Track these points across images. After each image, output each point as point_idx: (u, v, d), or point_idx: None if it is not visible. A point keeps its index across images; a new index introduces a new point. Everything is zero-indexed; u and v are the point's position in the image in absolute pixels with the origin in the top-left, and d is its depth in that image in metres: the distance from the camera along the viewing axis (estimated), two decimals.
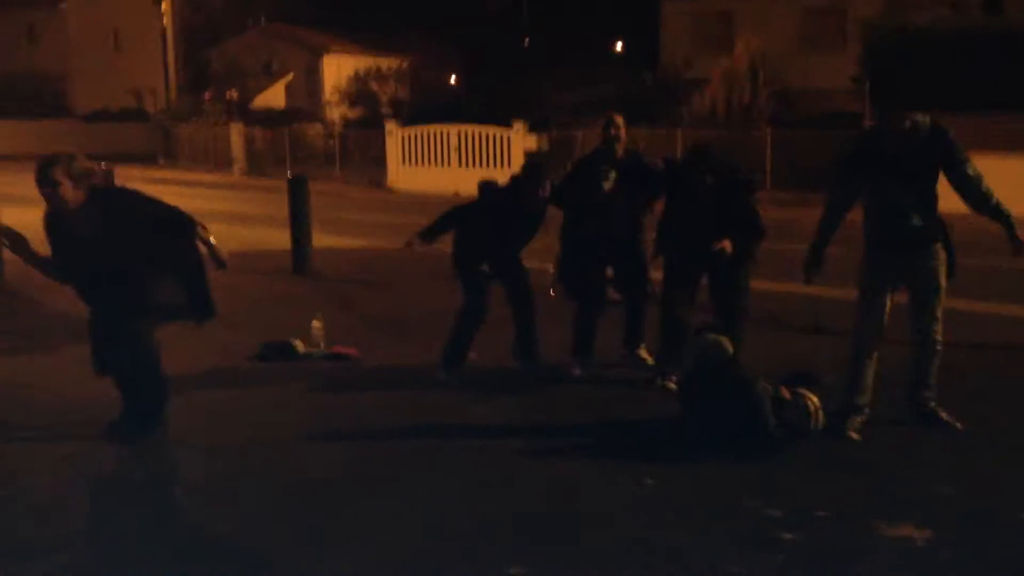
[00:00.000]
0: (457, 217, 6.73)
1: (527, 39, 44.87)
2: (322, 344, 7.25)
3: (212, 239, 5.36)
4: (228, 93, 31.38)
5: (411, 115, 27.58)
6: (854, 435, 5.36)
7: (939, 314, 5.38)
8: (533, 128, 23.13)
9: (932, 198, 5.20)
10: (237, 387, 6.41)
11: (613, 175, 6.55)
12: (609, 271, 6.81)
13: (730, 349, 5.40)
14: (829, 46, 32.98)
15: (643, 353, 6.92)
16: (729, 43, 32.91)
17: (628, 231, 6.68)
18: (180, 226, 5.27)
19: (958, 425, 5.45)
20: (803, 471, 4.91)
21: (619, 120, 6.75)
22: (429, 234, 6.70)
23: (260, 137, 27.45)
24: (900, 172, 5.15)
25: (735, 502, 4.51)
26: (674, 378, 6.23)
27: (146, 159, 27.56)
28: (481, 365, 6.65)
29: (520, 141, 22.71)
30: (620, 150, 6.69)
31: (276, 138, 27.51)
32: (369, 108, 40.18)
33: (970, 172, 5.18)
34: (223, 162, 26.58)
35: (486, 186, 6.88)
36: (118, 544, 4.14)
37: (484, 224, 6.56)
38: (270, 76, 47.38)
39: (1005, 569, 3.87)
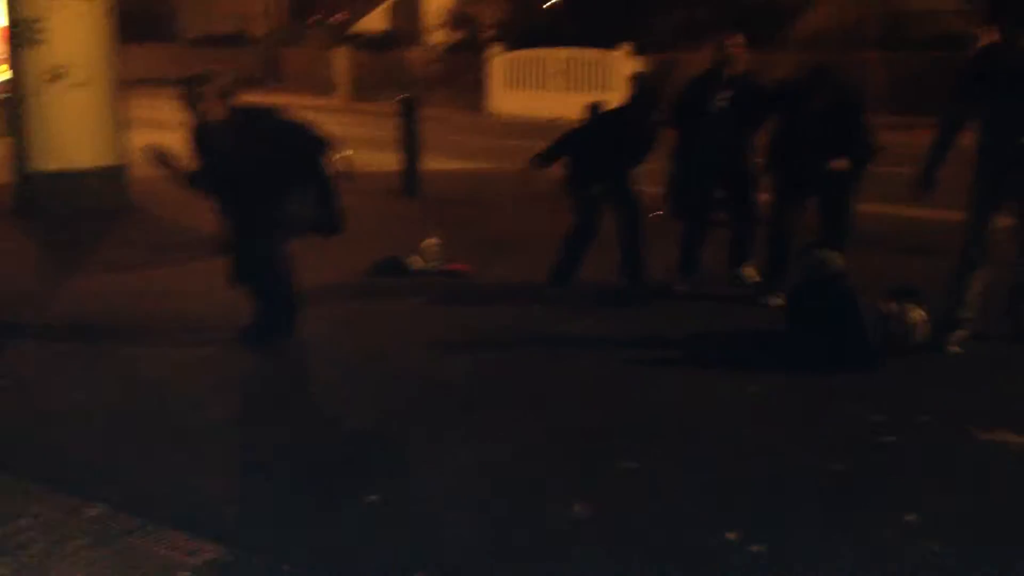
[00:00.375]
0: (571, 141, 6.97)
1: None
2: (436, 260, 7.60)
3: (343, 155, 5.73)
4: (334, 16, 31.72)
5: (512, 38, 27.54)
6: (955, 348, 5.52)
7: None
8: (637, 51, 22.98)
9: None
10: (358, 299, 6.79)
11: (726, 94, 6.68)
12: (718, 191, 6.97)
13: (839, 264, 5.56)
14: None
15: (748, 271, 7.10)
16: None
17: (738, 151, 6.80)
18: (314, 143, 5.64)
19: None
20: (905, 380, 5.11)
21: (736, 38, 6.77)
22: (545, 159, 6.96)
23: (363, 61, 27.74)
24: (1018, 89, 5.20)
25: (839, 407, 4.75)
26: (779, 295, 6.44)
27: (252, 83, 28.07)
28: (589, 282, 6.91)
29: (623, 64, 22.59)
30: (735, 69, 6.75)
31: (379, 62, 27.80)
32: (469, 31, 40.13)
33: None
34: (328, 86, 26.95)
35: (596, 109, 7.08)
36: (257, 434, 4.57)
37: (596, 147, 6.78)
38: None
39: None
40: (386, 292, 7.03)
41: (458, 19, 43.14)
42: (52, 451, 4.25)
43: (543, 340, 5.87)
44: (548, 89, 23.73)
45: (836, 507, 3.76)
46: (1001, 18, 5.37)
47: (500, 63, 24.56)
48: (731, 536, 3.49)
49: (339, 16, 31.89)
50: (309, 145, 5.64)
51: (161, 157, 5.46)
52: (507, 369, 5.37)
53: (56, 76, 9.13)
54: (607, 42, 23.62)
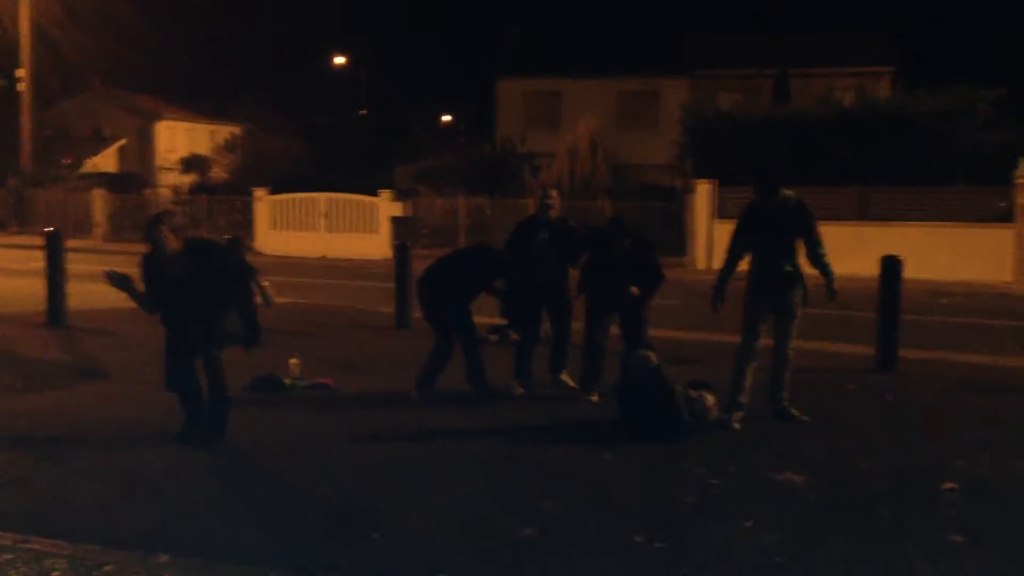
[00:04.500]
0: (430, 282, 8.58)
1: (364, 110, 46.84)
2: (300, 377, 8.79)
3: (265, 284, 6.98)
4: (88, 159, 31.77)
5: (247, 179, 28.82)
6: (736, 424, 7.42)
7: (793, 335, 7.55)
8: (395, 197, 24.95)
9: (796, 252, 7.37)
10: (253, 408, 7.81)
11: (545, 234, 8.52)
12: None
13: (655, 362, 7.38)
14: (644, 125, 36.59)
15: (565, 377, 8.82)
16: (558, 120, 35.95)
17: (556, 278, 8.60)
18: (244, 271, 6.86)
19: (804, 417, 7.62)
20: (710, 446, 6.92)
21: (553, 192, 8.81)
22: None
23: (113, 202, 28.01)
24: (775, 232, 7.30)
25: (672, 465, 6.45)
26: (595, 394, 8.19)
27: None
28: (442, 389, 8.34)
29: (386, 208, 24.44)
30: (552, 215, 8.65)
31: (127, 203, 28.14)
32: (201, 175, 41.01)
33: (816, 236, 7.40)
34: (82, 227, 26.94)
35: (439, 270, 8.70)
36: (257, 504, 5.67)
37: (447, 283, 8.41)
38: (101, 141, 47.45)
39: (848, 493, 5.96)
40: (273, 403, 8.13)
41: (189, 162, 43.94)
42: (99, 525, 5.18)
43: (432, 431, 7.26)
44: (313, 230, 25.10)
45: (697, 523, 5.40)
46: (762, 182, 7.43)
47: (264, 205, 25.73)
48: (639, 538, 5.05)
49: (93, 159, 31.95)
50: (240, 272, 6.85)
51: (117, 280, 6.47)
52: (415, 453, 6.70)
53: None
54: (347, 187, 25.48)
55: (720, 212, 22.00)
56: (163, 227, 6.48)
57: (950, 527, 5.29)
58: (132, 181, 34.58)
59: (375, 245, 24.24)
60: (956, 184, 21.19)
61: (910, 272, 10.20)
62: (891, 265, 9.97)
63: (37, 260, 14.64)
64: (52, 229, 12.13)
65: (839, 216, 20.53)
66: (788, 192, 7.39)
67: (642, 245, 8.42)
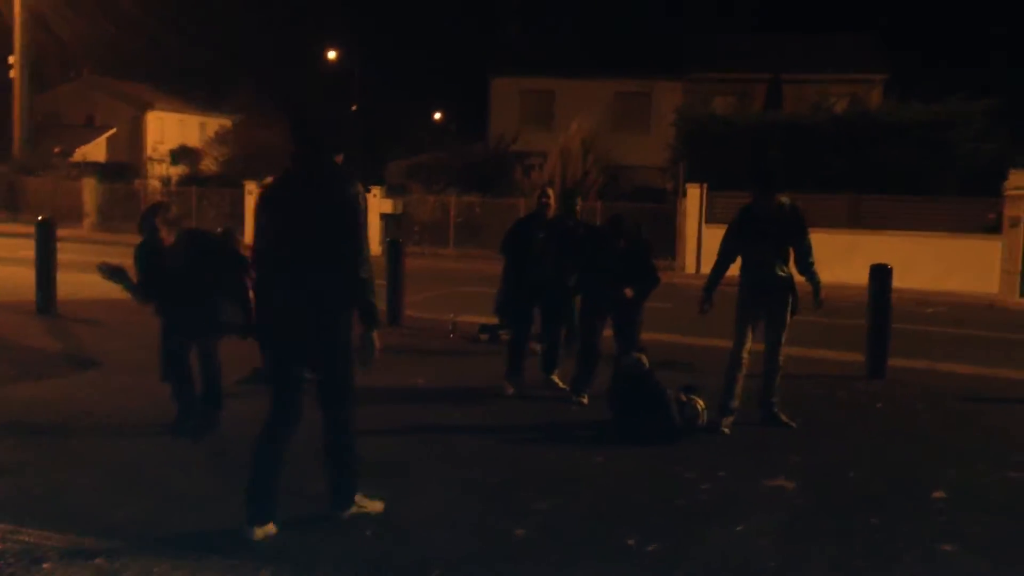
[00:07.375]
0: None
1: (355, 105, 46.71)
2: None
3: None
4: (78, 148, 31.63)
5: (238, 172, 28.58)
6: (727, 429, 7.44)
7: (783, 341, 7.58)
8: (386, 194, 24.93)
9: (788, 257, 7.40)
10: (244, 401, 7.74)
11: (542, 234, 8.54)
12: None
13: (647, 365, 7.39)
14: (636, 127, 36.67)
15: (556, 378, 8.83)
16: (551, 119, 35.98)
17: (553, 277, 8.62)
18: (239, 262, 6.85)
19: (794, 424, 7.65)
20: (701, 450, 6.94)
21: (550, 191, 8.87)
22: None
23: (104, 192, 27.88)
24: (769, 237, 7.32)
25: (663, 469, 6.47)
26: (585, 396, 8.20)
27: None
28: (435, 386, 8.35)
29: (377, 205, 24.40)
30: (549, 214, 8.68)
31: (117, 193, 28.01)
32: (191, 166, 40.85)
33: (807, 244, 7.42)
34: (72, 216, 26.79)
35: None
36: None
37: None
38: (92, 129, 47.24)
39: (839, 500, 5.98)
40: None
41: (179, 154, 43.80)
42: (91, 515, 5.16)
43: (422, 428, 7.26)
44: None
45: (689, 528, 5.42)
46: (761, 186, 7.43)
47: (255, 199, 25.64)
48: (630, 541, 5.06)
49: (83, 148, 31.81)
50: (235, 263, 6.85)
51: (110, 272, 6.45)
52: (407, 449, 6.71)
53: None
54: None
55: (709, 216, 22.03)
56: (156, 220, 6.49)
57: (940, 535, 5.32)
58: (122, 171, 34.43)
59: None
60: (947, 194, 21.28)
61: (897, 281, 10.26)
62: (881, 274, 10.03)
63: (26, 248, 14.60)
64: (43, 218, 12.09)
65: (830, 223, 20.57)
66: (784, 198, 7.41)
67: (637, 246, 8.44)
